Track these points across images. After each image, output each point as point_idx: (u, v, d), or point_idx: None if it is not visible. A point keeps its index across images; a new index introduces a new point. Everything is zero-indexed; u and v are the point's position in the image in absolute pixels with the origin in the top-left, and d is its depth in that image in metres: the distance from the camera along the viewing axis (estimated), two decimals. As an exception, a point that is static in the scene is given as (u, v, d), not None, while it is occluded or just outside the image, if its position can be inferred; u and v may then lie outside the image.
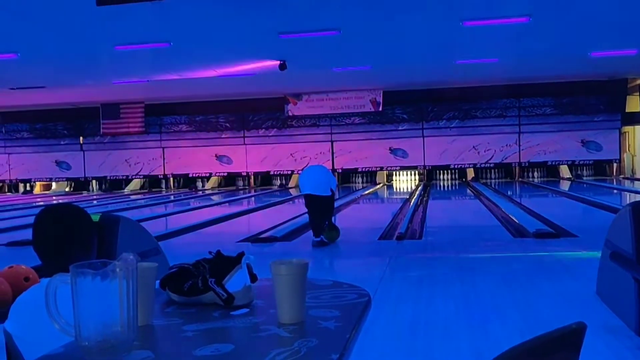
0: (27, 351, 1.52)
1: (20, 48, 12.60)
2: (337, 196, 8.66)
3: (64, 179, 25.39)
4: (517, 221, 9.97)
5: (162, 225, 11.89)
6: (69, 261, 1.39)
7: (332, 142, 22.89)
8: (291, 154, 22.97)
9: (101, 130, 23.30)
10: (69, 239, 1.85)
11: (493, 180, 22.48)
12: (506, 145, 22.01)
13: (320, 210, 8.12)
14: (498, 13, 11.05)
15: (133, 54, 13.36)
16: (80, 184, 25.39)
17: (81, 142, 24.69)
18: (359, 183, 23.22)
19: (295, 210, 12.07)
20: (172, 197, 20.96)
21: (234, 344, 1.30)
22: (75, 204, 2.04)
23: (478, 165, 22.44)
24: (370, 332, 3.70)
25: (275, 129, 23.25)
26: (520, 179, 22.37)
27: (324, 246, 8.00)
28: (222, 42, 12.80)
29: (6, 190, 25.92)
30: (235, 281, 1.58)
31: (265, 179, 24.07)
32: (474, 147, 22.11)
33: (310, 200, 8.12)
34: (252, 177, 23.93)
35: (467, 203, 16.04)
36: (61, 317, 1.27)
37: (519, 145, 21.95)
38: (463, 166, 22.50)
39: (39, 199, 20.88)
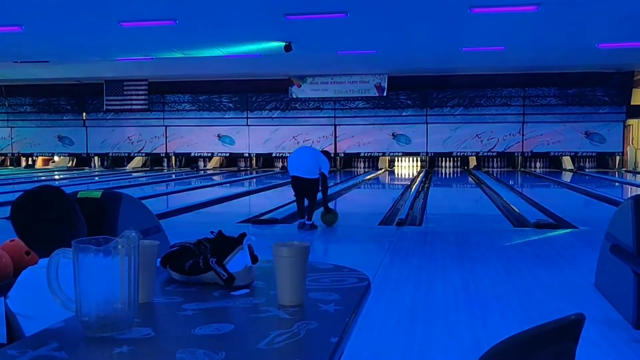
0: (28, 326, 1.52)
1: (25, 21, 12.52)
2: (330, 182, 8.43)
3: (66, 155, 25.40)
4: (517, 211, 9.97)
5: (163, 204, 11.91)
6: (55, 245, 1.37)
7: (335, 125, 22.83)
8: (294, 137, 22.89)
9: (104, 106, 23.23)
10: (46, 225, 1.82)
11: (495, 169, 22.44)
12: (509, 134, 21.95)
13: (303, 193, 8.05)
14: (507, 1, 10.96)
15: (138, 31, 13.31)
16: (82, 160, 25.38)
17: (84, 117, 24.64)
18: (360, 168, 23.19)
19: (296, 193, 12.06)
20: (173, 176, 20.98)
21: (233, 324, 1.30)
22: (50, 184, 1.97)
23: (481, 154, 22.40)
24: (370, 316, 3.71)
25: (278, 111, 23.17)
26: (522, 169, 22.33)
27: (312, 230, 7.98)
28: (228, 22, 12.71)
29: (8, 163, 25.94)
30: (237, 262, 1.58)
31: (267, 160, 24.03)
32: (477, 135, 22.05)
33: (294, 182, 8.11)
34: (254, 158, 23.91)
35: (468, 191, 16.03)
36: (62, 292, 1.27)
37: (523, 135, 21.89)
38: (465, 154, 22.45)
39: (40, 174, 20.91)
